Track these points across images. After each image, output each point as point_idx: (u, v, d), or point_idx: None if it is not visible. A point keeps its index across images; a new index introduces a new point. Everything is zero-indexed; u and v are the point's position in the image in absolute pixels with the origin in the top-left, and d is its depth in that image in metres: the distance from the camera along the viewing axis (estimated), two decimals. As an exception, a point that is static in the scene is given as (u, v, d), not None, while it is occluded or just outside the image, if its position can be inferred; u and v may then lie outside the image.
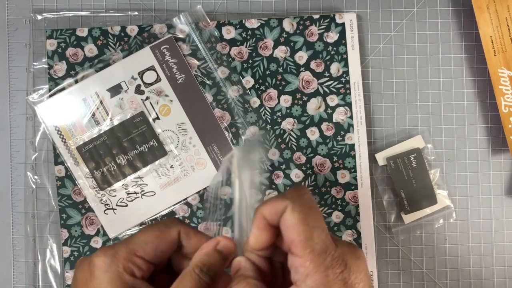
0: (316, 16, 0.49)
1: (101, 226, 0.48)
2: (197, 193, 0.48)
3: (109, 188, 0.47)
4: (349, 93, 0.49)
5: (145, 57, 0.48)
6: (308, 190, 0.31)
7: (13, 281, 0.48)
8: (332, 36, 0.49)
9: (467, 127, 0.50)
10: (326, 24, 0.49)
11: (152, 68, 0.48)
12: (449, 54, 0.50)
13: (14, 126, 0.49)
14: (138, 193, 0.48)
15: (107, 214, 0.47)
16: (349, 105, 0.49)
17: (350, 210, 0.49)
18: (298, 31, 0.49)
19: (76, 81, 0.48)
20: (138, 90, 0.48)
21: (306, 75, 0.49)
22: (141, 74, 0.48)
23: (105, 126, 0.47)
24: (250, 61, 0.49)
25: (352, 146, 0.49)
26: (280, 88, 0.49)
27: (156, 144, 0.47)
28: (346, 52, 0.49)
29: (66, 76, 0.48)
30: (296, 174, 0.49)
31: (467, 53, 0.50)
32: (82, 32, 0.48)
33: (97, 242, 0.48)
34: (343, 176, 0.49)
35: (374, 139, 0.50)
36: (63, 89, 0.48)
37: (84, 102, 0.47)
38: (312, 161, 0.49)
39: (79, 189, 0.48)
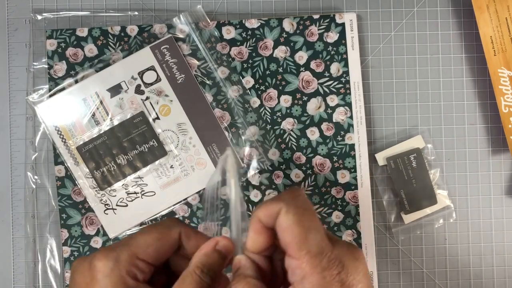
0: (316, 16, 0.49)
1: (101, 226, 0.48)
2: (197, 193, 0.48)
3: (109, 188, 0.47)
4: (349, 93, 0.49)
5: (145, 57, 0.48)
6: (303, 192, 0.31)
7: (13, 281, 0.48)
8: (332, 36, 0.49)
9: (467, 127, 0.50)
10: (326, 24, 0.49)
11: (152, 68, 0.48)
12: (449, 54, 0.50)
13: (14, 126, 0.49)
14: (138, 193, 0.48)
15: (107, 214, 0.47)
16: (349, 105, 0.49)
17: (350, 210, 0.49)
18: (298, 31, 0.49)
19: (76, 81, 0.48)
20: (138, 90, 0.48)
21: (306, 75, 0.49)
22: (141, 74, 0.48)
23: (105, 126, 0.47)
24: (250, 61, 0.49)
25: (352, 146, 0.49)
26: (280, 88, 0.49)
27: (156, 144, 0.47)
28: (346, 52, 0.49)
29: (66, 76, 0.48)
30: (296, 174, 0.49)
31: (467, 53, 0.50)
32: (82, 32, 0.48)
33: (97, 242, 0.48)
34: (343, 176, 0.49)
35: (374, 139, 0.50)
36: (63, 89, 0.48)
37: (84, 102, 0.47)
38: (312, 161, 0.49)
39: (79, 189, 0.48)
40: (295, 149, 0.49)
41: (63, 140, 0.47)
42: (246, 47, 0.49)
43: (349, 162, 0.49)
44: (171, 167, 0.48)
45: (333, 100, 0.49)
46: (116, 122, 0.47)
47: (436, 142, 0.50)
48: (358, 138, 0.49)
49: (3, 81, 0.49)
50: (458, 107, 0.50)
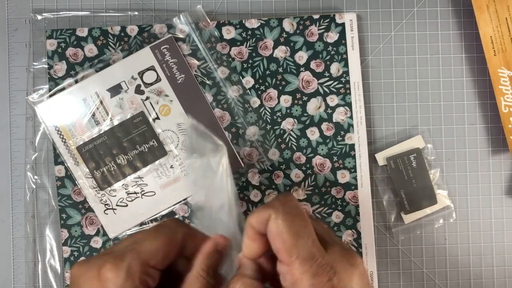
0: (316, 16, 0.49)
1: (101, 226, 0.48)
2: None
3: (109, 188, 0.47)
4: (349, 93, 0.49)
5: (145, 57, 0.48)
6: (293, 198, 0.31)
7: (13, 281, 0.48)
8: (332, 36, 0.49)
9: (467, 127, 0.50)
10: (326, 24, 0.49)
11: (152, 68, 0.48)
12: (449, 54, 0.50)
13: (14, 126, 0.49)
14: (138, 193, 0.48)
15: (107, 214, 0.47)
16: (349, 105, 0.49)
17: (350, 210, 0.49)
18: (298, 31, 0.49)
19: (76, 81, 0.48)
20: (138, 90, 0.48)
21: (306, 75, 0.49)
22: (141, 74, 0.48)
23: (105, 126, 0.47)
24: (250, 61, 0.49)
25: (352, 146, 0.49)
26: (280, 88, 0.49)
27: (156, 144, 0.47)
28: (346, 52, 0.49)
29: (66, 76, 0.48)
30: (296, 174, 0.49)
31: (467, 53, 0.50)
32: (82, 32, 0.48)
33: (97, 242, 0.48)
34: (343, 176, 0.49)
35: (374, 139, 0.50)
36: (63, 89, 0.48)
37: (84, 102, 0.47)
38: (312, 161, 0.49)
39: (79, 189, 0.48)
40: (295, 149, 0.49)
41: (63, 140, 0.47)
42: (246, 47, 0.49)
43: (349, 162, 0.49)
44: (171, 167, 0.48)
45: (333, 100, 0.49)
46: (116, 122, 0.47)
47: (436, 142, 0.50)
48: (358, 138, 0.49)
49: (3, 81, 0.49)
50: (458, 107, 0.50)
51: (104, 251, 0.32)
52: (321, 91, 0.49)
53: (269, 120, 0.49)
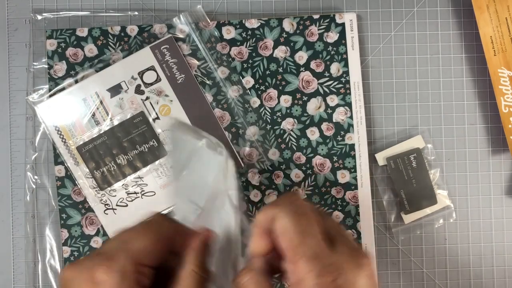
0: (316, 16, 0.49)
1: (101, 226, 0.48)
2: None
3: (109, 188, 0.47)
4: (349, 93, 0.49)
5: (145, 57, 0.48)
6: (299, 197, 0.32)
7: (13, 281, 0.48)
8: (332, 36, 0.49)
9: (467, 127, 0.50)
10: (326, 24, 0.49)
11: (152, 68, 0.48)
12: (449, 54, 0.50)
13: (14, 126, 0.49)
14: (138, 193, 0.48)
15: (107, 214, 0.47)
16: (349, 105, 0.49)
17: (350, 210, 0.49)
18: (298, 31, 0.49)
19: (76, 81, 0.48)
20: (138, 90, 0.48)
21: (306, 75, 0.49)
22: (141, 74, 0.48)
23: (105, 126, 0.47)
24: (250, 61, 0.49)
25: (352, 146, 0.49)
26: (280, 88, 0.49)
27: (156, 144, 0.47)
28: (346, 52, 0.49)
29: (66, 76, 0.48)
30: (296, 174, 0.49)
31: (467, 53, 0.50)
32: (82, 32, 0.48)
33: (97, 242, 0.48)
34: (343, 176, 0.49)
35: (374, 139, 0.50)
36: (63, 89, 0.48)
37: (84, 102, 0.47)
38: (312, 161, 0.49)
39: (79, 189, 0.48)
40: (295, 149, 0.49)
41: (63, 140, 0.47)
42: (246, 47, 0.49)
43: (349, 162, 0.49)
44: (171, 167, 0.48)
45: (333, 100, 0.49)
46: (116, 122, 0.47)
47: (436, 142, 0.50)
48: (358, 138, 0.49)
49: (3, 81, 0.49)
50: (458, 107, 0.50)
51: (94, 252, 0.31)
52: (321, 91, 0.49)
53: (269, 120, 0.49)
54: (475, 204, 0.50)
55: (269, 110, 0.49)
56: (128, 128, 0.47)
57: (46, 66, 0.48)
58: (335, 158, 0.49)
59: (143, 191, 0.48)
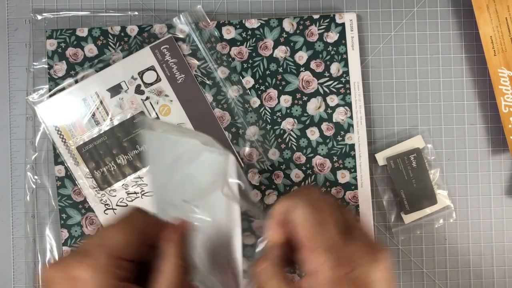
0: (316, 16, 0.49)
1: (101, 226, 0.48)
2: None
3: (109, 188, 0.47)
4: (349, 93, 0.49)
5: (145, 57, 0.48)
6: (316, 189, 0.33)
7: (13, 281, 0.48)
8: (332, 36, 0.49)
9: (467, 127, 0.50)
10: (326, 24, 0.49)
11: (152, 68, 0.48)
12: (449, 54, 0.50)
13: (14, 126, 0.49)
14: (138, 193, 0.48)
15: (107, 214, 0.47)
16: (349, 105, 0.49)
17: (350, 210, 0.49)
18: (298, 31, 0.49)
19: (76, 81, 0.48)
20: (138, 90, 0.48)
21: (306, 75, 0.49)
22: (141, 74, 0.48)
23: (105, 126, 0.47)
24: (250, 61, 0.49)
25: (352, 146, 0.49)
26: (280, 88, 0.49)
27: (156, 144, 0.47)
28: (346, 52, 0.49)
29: (66, 76, 0.48)
30: (296, 174, 0.49)
31: (467, 53, 0.50)
32: (82, 32, 0.48)
33: (97, 242, 0.48)
34: (343, 176, 0.49)
35: (374, 139, 0.50)
36: (63, 89, 0.48)
37: (84, 102, 0.47)
38: (312, 161, 0.49)
39: (79, 189, 0.48)
40: (295, 149, 0.49)
41: (63, 140, 0.47)
42: (246, 47, 0.49)
43: (349, 162, 0.49)
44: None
45: (333, 100, 0.49)
46: (116, 122, 0.47)
47: (436, 142, 0.50)
48: (358, 138, 0.49)
49: (3, 81, 0.49)
50: (458, 107, 0.50)
51: (74, 251, 0.31)
52: (321, 91, 0.49)
53: (269, 120, 0.49)
54: (475, 204, 0.50)
55: (269, 110, 0.49)
56: (128, 128, 0.47)
57: (46, 66, 0.48)
58: (335, 158, 0.49)
59: (143, 191, 0.48)
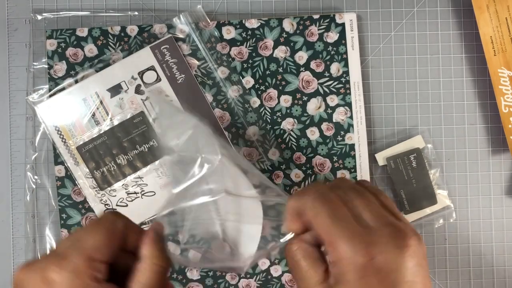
0: (316, 16, 0.49)
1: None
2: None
3: (109, 188, 0.47)
4: (349, 93, 0.49)
5: (145, 57, 0.48)
6: (321, 184, 0.33)
7: (13, 281, 0.48)
8: (332, 36, 0.49)
9: (467, 127, 0.50)
10: (326, 24, 0.49)
11: (152, 68, 0.48)
12: (449, 54, 0.50)
13: (14, 126, 0.49)
14: (138, 193, 0.48)
15: (107, 214, 0.47)
16: (349, 105, 0.49)
17: (350, 210, 0.49)
18: (298, 31, 0.49)
19: (76, 81, 0.48)
20: (138, 90, 0.48)
21: (306, 75, 0.49)
22: (141, 74, 0.48)
23: (105, 126, 0.47)
24: (250, 61, 0.49)
25: (352, 146, 0.49)
26: (280, 88, 0.49)
27: (156, 144, 0.47)
28: (346, 52, 0.49)
29: (66, 76, 0.48)
30: (296, 174, 0.49)
31: (467, 53, 0.50)
32: (82, 32, 0.48)
33: (97, 242, 0.48)
34: (343, 176, 0.49)
35: (374, 139, 0.50)
36: (63, 89, 0.48)
37: (84, 102, 0.47)
38: (312, 161, 0.49)
39: (79, 189, 0.48)
40: (295, 149, 0.49)
41: (63, 140, 0.47)
42: (246, 47, 0.49)
43: (349, 162, 0.49)
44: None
45: (333, 100, 0.49)
46: (116, 122, 0.47)
47: (436, 142, 0.50)
48: (358, 138, 0.49)
49: (3, 81, 0.49)
50: (458, 107, 0.50)
51: (48, 253, 0.31)
52: (321, 91, 0.49)
53: (269, 120, 0.49)
54: (475, 204, 0.50)
55: (269, 110, 0.49)
56: (128, 128, 0.47)
57: (46, 66, 0.48)
58: (335, 158, 0.49)
59: (143, 191, 0.48)
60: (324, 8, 0.50)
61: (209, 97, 0.48)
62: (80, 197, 0.48)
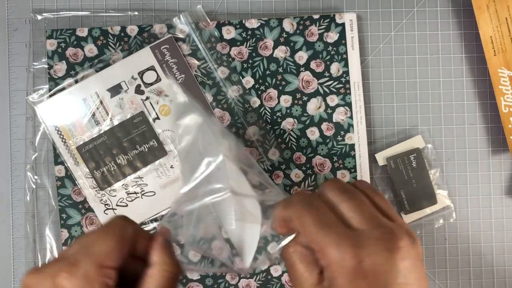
0: (316, 16, 0.49)
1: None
2: (197, 193, 0.48)
3: (109, 188, 0.47)
4: (349, 93, 0.49)
5: (145, 57, 0.48)
6: (305, 192, 0.33)
7: (13, 281, 0.48)
8: (332, 36, 0.49)
9: (467, 127, 0.50)
10: (326, 24, 0.49)
11: (152, 68, 0.48)
12: (449, 54, 0.50)
13: (14, 126, 0.49)
14: (138, 193, 0.48)
15: (107, 214, 0.47)
16: (349, 105, 0.49)
17: (350, 210, 0.49)
18: (298, 31, 0.49)
19: (76, 81, 0.48)
20: (138, 90, 0.48)
21: (306, 75, 0.49)
22: (141, 74, 0.48)
23: (105, 126, 0.47)
24: (250, 61, 0.49)
25: (352, 146, 0.49)
26: (280, 88, 0.49)
27: (156, 144, 0.47)
28: (346, 52, 0.49)
29: (66, 76, 0.48)
30: (296, 174, 0.49)
31: (467, 53, 0.50)
32: (82, 32, 0.48)
33: (97, 242, 0.48)
34: (343, 176, 0.49)
35: (374, 139, 0.50)
36: (63, 89, 0.48)
37: (84, 102, 0.47)
38: (312, 161, 0.49)
39: (79, 189, 0.48)
40: (295, 149, 0.49)
41: (63, 140, 0.47)
42: (246, 47, 0.49)
43: (349, 162, 0.49)
44: (171, 167, 0.48)
45: (333, 100, 0.49)
46: (116, 122, 0.47)
47: (436, 142, 0.50)
48: (358, 138, 0.49)
49: (3, 81, 0.49)
50: (458, 107, 0.50)
51: (57, 258, 0.31)
52: (321, 91, 0.49)
53: (269, 120, 0.49)
54: (475, 204, 0.50)
55: (269, 110, 0.49)
56: (128, 128, 0.47)
57: (46, 66, 0.48)
58: (335, 158, 0.49)
59: (143, 191, 0.48)
60: (324, 8, 0.50)
61: (209, 97, 0.48)
62: (80, 197, 0.48)
